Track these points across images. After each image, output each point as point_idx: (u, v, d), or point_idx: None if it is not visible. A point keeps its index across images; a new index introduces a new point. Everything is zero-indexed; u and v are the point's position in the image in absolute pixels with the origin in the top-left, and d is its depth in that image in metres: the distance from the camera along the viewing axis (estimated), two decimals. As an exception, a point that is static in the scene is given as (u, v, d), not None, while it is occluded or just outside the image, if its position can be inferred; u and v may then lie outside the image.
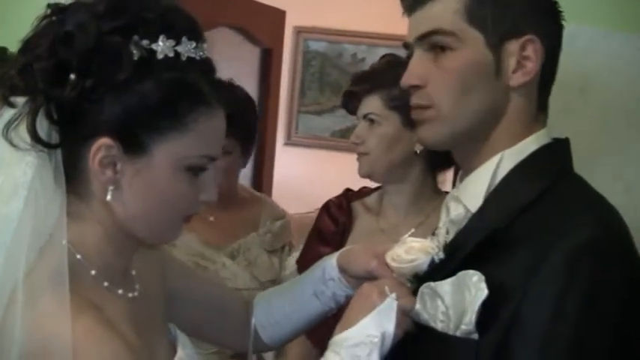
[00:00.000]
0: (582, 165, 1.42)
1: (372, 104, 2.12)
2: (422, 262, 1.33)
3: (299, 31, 5.92)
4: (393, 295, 1.31)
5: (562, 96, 1.49)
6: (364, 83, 2.16)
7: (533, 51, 1.32)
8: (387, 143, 2.09)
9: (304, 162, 6.00)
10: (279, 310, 1.67)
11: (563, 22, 1.39)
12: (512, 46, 1.32)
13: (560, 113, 1.70)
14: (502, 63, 1.32)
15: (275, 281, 2.43)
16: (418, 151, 2.06)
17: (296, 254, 2.44)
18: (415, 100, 1.38)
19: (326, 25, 5.90)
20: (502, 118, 1.35)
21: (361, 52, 5.79)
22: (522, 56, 1.32)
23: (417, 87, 1.37)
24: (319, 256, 2.15)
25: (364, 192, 2.32)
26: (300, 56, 6.04)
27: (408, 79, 1.38)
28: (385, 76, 2.08)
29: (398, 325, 1.30)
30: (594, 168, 1.80)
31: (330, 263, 1.60)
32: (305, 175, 5.83)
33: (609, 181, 1.89)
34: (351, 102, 2.20)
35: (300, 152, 6.07)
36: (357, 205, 2.27)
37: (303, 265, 2.27)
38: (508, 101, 1.34)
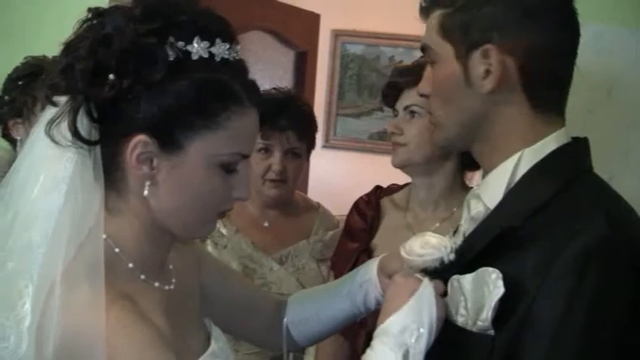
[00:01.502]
0: (608, 165, 1.42)
1: (415, 96, 2.10)
2: (430, 258, 1.36)
3: (337, 34, 5.93)
4: (426, 278, 1.33)
5: (589, 96, 1.49)
6: (407, 76, 2.17)
7: (494, 58, 1.34)
8: (428, 136, 2.07)
9: (343, 164, 6.00)
10: (310, 307, 1.70)
11: (590, 23, 1.38)
12: (477, 55, 1.34)
13: (587, 113, 1.70)
14: (470, 72, 1.35)
15: None
16: None
17: None
18: (427, 106, 1.47)
19: (363, 28, 5.90)
20: (494, 122, 1.37)
21: (399, 54, 5.78)
22: (488, 63, 1.34)
23: (426, 95, 1.47)
24: (348, 252, 2.20)
25: (393, 188, 2.34)
26: (338, 59, 6.04)
27: (420, 87, 1.50)
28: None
29: (440, 307, 1.32)
30: (620, 168, 1.81)
31: (370, 263, 1.64)
32: (343, 177, 5.81)
33: (635, 181, 1.88)
34: (391, 94, 2.23)
35: (339, 155, 6.08)
36: (385, 201, 2.30)
37: (335, 261, 2.31)
38: (491, 106, 1.37)
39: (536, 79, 1.36)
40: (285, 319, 1.69)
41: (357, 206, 2.33)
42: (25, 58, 2.44)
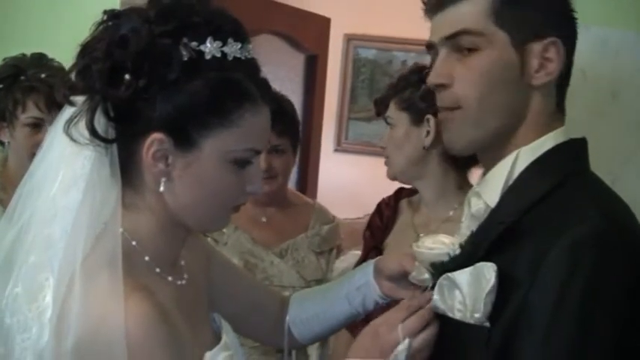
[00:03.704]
0: (613, 167, 1.42)
1: (390, 109, 2.22)
2: (440, 252, 1.39)
3: (349, 38, 5.96)
4: (406, 342, 1.35)
5: (594, 99, 1.50)
6: (388, 91, 2.26)
7: (555, 52, 1.35)
8: (398, 143, 2.19)
9: (354, 168, 6.01)
10: (310, 308, 1.73)
11: (596, 26, 1.40)
12: (536, 47, 1.35)
13: (592, 116, 1.71)
14: (526, 63, 1.36)
15: (321, 281, 2.50)
16: (426, 147, 2.12)
17: (343, 257, 2.54)
18: (441, 102, 1.42)
19: (376, 32, 5.92)
20: (524, 117, 1.38)
21: (411, 59, 5.73)
22: (544, 57, 1.35)
23: (442, 86, 1.40)
24: (368, 247, 2.27)
25: (414, 190, 2.38)
26: (351, 63, 6.07)
27: (434, 77, 1.41)
28: (400, 82, 2.20)
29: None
30: (625, 170, 1.81)
31: (367, 265, 1.67)
32: (355, 181, 5.83)
33: (640, 183, 1.89)
34: (381, 110, 2.30)
35: (350, 158, 6.10)
36: (403, 203, 2.37)
37: (362, 259, 2.35)
38: (529, 100, 1.38)
39: (565, 78, 1.39)
40: (287, 318, 1.73)
41: (379, 206, 2.40)
42: (4, 59, 2.43)
